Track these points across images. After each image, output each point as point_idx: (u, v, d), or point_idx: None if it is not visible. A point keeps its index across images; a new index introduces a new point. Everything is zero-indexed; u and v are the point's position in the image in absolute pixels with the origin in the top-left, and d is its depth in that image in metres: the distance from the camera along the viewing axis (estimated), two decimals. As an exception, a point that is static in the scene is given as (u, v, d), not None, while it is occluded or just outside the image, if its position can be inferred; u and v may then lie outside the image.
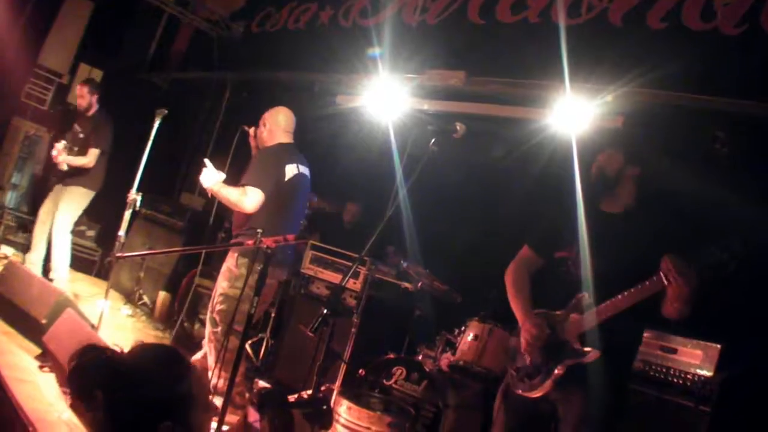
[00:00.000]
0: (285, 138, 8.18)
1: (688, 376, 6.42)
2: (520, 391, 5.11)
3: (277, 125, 8.18)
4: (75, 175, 10.73)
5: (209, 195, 7.88)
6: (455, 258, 9.80)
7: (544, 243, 5.48)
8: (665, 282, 4.43)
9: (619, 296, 4.65)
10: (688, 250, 4.37)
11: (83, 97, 11.06)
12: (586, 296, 4.84)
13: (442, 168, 5.55)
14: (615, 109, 8.15)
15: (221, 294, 7.59)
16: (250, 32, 14.14)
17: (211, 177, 7.71)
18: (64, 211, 10.74)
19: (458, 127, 5.26)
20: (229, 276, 7.59)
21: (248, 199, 7.55)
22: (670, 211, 5.06)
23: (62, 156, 10.55)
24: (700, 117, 7.73)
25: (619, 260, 4.77)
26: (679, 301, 4.43)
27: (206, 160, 7.81)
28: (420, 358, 8.47)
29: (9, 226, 13.26)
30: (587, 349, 4.78)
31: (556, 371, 4.87)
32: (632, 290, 4.60)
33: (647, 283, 4.53)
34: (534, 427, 5.18)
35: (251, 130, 8.46)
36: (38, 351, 7.27)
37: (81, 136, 10.88)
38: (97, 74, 14.69)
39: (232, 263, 7.64)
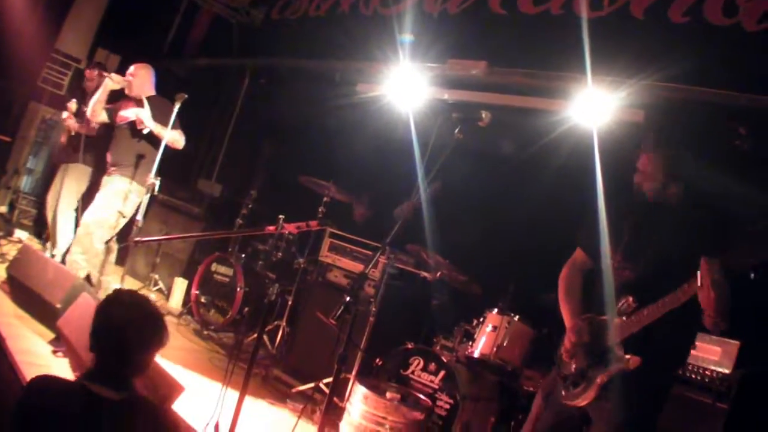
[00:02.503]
0: (153, 90, 9.55)
1: (707, 372, 6.42)
2: (565, 400, 5.04)
3: (148, 79, 9.60)
4: (76, 153, 10.86)
5: (142, 129, 9.12)
6: (475, 249, 9.77)
7: (593, 244, 5.36)
8: (699, 284, 4.24)
9: (659, 302, 4.51)
10: (719, 251, 4.28)
11: (92, 80, 11.19)
12: (631, 300, 4.74)
13: (463, 158, 5.51)
14: (636, 102, 8.12)
15: (119, 212, 9.14)
16: (270, 19, 14.14)
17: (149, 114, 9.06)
18: (68, 188, 10.87)
19: (484, 116, 5.21)
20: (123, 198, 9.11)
21: (182, 139, 9.35)
22: (705, 207, 4.99)
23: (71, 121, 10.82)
24: (721, 112, 7.68)
25: (667, 251, 4.71)
26: (710, 308, 4.25)
27: (113, 75, 9.35)
28: (437, 348, 8.45)
29: (24, 210, 13.31)
30: (628, 356, 4.65)
31: (598, 380, 4.78)
32: (672, 295, 4.45)
33: (686, 286, 4.36)
34: (565, 428, 5.17)
35: (112, 76, 9.53)
36: (52, 336, 7.27)
37: None
38: (115, 60, 14.72)
39: (122, 187, 9.17)
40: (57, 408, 3.47)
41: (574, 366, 5.02)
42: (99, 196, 9.05)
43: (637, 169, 5.13)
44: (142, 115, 8.93)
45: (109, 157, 9.35)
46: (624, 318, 4.75)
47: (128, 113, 9.15)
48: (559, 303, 5.44)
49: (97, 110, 9.46)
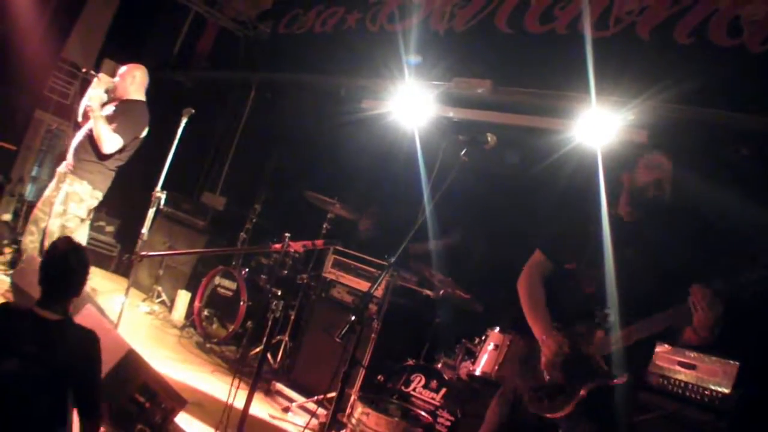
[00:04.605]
0: (143, 96, 9.29)
1: (706, 392, 6.41)
2: (539, 411, 4.97)
3: (141, 83, 9.30)
4: None
5: (86, 110, 8.91)
6: (478, 267, 9.78)
7: (555, 248, 5.42)
8: (693, 310, 4.28)
9: (650, 320, 4.51)
10: (718, 272, 4.29)
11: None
12: (611, 314, 4.72)
13: (467, 177, 5.52)
14: (640, 122, 8.14)
15: (77, 216, 9.00)
16: (276, 33, 14.15)
17: (98, 96, 8.89)
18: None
19: (489, 138, 5.23)
20: (79, 200, 8.97)
21: (113, 144, 8.80)
22: (697, 225, 5.01)
23: None
24: (724, 133, 7.71)
25: (644, 273, 4.69)
26: (705, 329, 4.31)
27: (101, 75, 8.96)
28: (439, 366, 8.45)
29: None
30: (618, 372, 4.63)
31: (580, 392, 4.73)
32: (663, 314, 4.47)
33: (677, 310, 4.39)
34: None
35: (100, 77, 9.18)
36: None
37: None
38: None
39: (80, 190, 8.96)
40: (12, 326, 4.63)
41: (547, 377, 4.97)
42: (58, 202, 8.85)
43: (653, 166, 5.10)
44: (90, 93, 8.83)
45: (69, 151, 9.13)
46: (606, 332, 4.74)
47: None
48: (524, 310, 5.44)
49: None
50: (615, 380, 4.65)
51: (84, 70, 9.40)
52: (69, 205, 8.89)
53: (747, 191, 6.86)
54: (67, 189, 8.86)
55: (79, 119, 9.37)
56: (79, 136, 9.06)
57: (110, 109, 8.97)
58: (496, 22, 10.05)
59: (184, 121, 8.54)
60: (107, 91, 9.24)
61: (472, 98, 9.73)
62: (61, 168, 9.14)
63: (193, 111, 8.60)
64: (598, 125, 8.24)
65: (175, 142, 8.61)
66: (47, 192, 9.17)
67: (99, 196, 9.13)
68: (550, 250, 5.47)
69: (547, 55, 9.37)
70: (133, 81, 9.28)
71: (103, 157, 8.95)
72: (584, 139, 8.45)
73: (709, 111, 7.66)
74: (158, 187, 8.44)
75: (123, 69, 9.39)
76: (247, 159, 14.50)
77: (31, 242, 8.97)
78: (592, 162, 7.75)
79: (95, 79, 9.14)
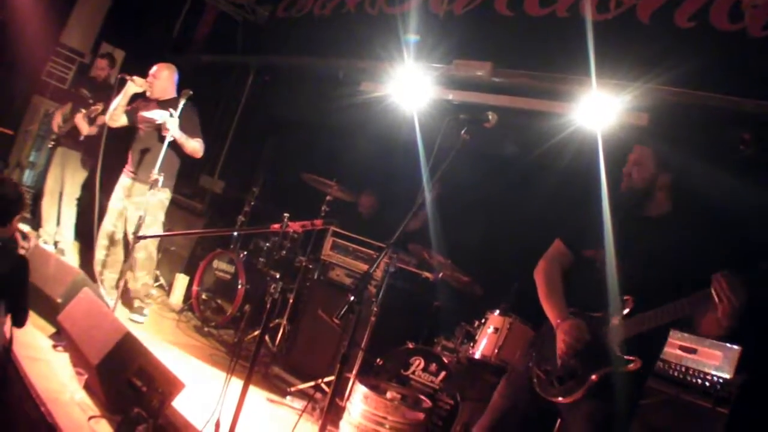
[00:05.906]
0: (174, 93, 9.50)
1: (707, 377, 6.39)
2: (547, 395, 4.96)
3: (171, 81, 9.59)
4: (77, 144, 11.23)
5: (171, 137, 8.84)
6: (478, 249, 9.75)
7: (576, 238, 5.37)
8: (716, 300, 4.21)
9: (666, 308, 4.46)
10: (735, 262, 4.25)
11: (103, 69, 11.27)
12: (630, 301, 4.71)
13: (467, 158, 5.47)
14: (640, 105, 8.11)
15: (158, 220, 9.45)
16: (275, 16, 14.14)
17: (175, 121, 8.85)
18: (72, 179, 11.39)
19: (490, 117, 5.19)
20: (162, 206, 9.52)
21: (202, 148, 9.51)
22: (703, 215, 4.97)
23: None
24: (725, 117, 7.66)
25: (655, 266, 4.69)
26: (729, 318, 4.21)
27: (171, 110, 8.84)
28: (438, 349, 8.42)
29: (25, 204, 13.32)
30: (630, 357, 4.61)
31: (592, 377, 4.72)
32: (682, 302, 4.41)
33: (699, 296, 4.32)
34: (534, 424, 5.17)
35: (135, 79, 9.28)
36: (52, 330, 7.26)
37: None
38: (120, 55, 14.68)
39: (164, 197, 9.52)
40: None
41: (560, 362, 4.95)
42: (149, 215, 8.92)
43: (629, 161, 5.12)
44: (170, 125, 8.76)
45: (151, 167, 8.99)
46: (624, 318, 4.71)
47: (153, 115, 9.13)
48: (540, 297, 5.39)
49: (116, 115, 9.37)
50: (629, 366, 4.61)
51: (119, 75, 9.46)
52: (158, 214, 9.40)
53: (748, 176, 6.82)
54: (150, 200, 9.05)
55: (107, 119, 9.53)
56: (152, 149, 9.28)
57: (158, 113, 9.17)
58: (496, 5, 10.02)
59: (182, 102, 8.52)
60: (142, 93, 9.45)
61: (471, 81, 9.69)
62: (126, 182, 9.46)
63: (191, 92, 8.59)
64: (599, 108, 8.23)
65: (174, 123, 8.61)
66: (116, 205, 9.47)
67: (170, 195, 9.55)
68: (570, 240, 5.44)
69: (548, 37, 9.35)
70: (167, 80, 9.55)
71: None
72: (584, 122, 8.43)
73: (710, 95, 7.62)
74: (155, 170, 8.41)
75: (154, 69, 9.54)
76: (246, 142, 14.51)
77: (102, 255, 9.35)
78: (593, 145, 7.75)
79: (129, 83, 9.21)
